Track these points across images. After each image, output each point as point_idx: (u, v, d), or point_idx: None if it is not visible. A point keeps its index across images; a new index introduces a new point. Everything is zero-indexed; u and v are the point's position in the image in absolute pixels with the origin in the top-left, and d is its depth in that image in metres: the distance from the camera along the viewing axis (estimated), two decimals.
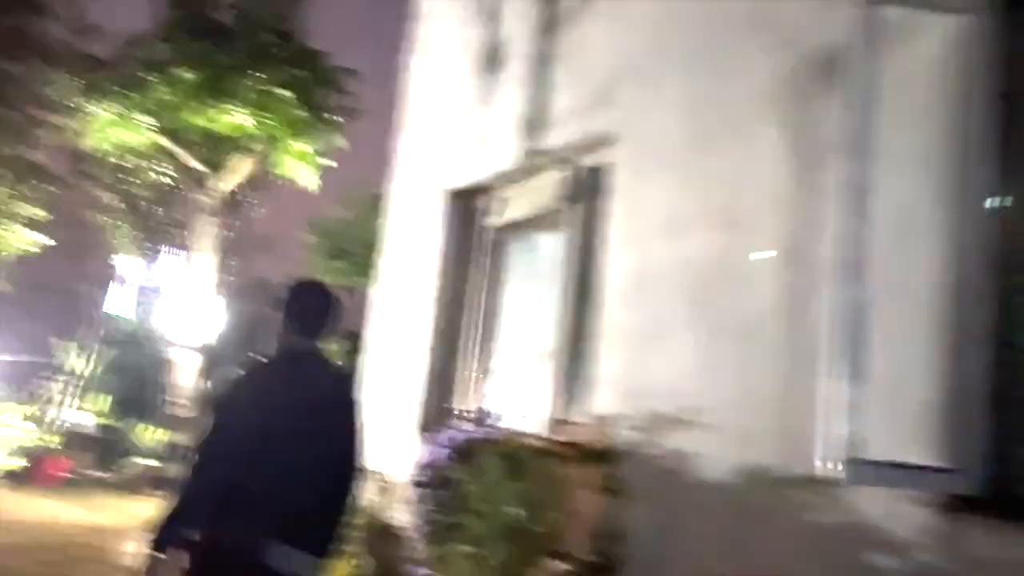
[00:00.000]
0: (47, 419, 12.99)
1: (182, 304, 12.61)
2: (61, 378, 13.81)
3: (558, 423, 4.53)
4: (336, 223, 13.96)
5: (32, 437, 11.92)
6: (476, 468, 4.31)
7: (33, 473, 10.72)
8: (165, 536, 2.55)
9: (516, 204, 5.49)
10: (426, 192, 6.42)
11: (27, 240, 13.17)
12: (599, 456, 3.73)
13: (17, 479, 10.46)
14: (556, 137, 4.96)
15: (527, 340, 5.24)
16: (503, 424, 4.79)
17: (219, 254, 12.44)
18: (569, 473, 3.95)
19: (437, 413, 5.97)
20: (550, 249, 5.17)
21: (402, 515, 5.70)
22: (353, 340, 13.65)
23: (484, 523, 3.94)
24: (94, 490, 10.74)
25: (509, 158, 5.42)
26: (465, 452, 4.50)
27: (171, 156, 11.74)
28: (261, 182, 14.72)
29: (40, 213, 13.17)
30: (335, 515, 2.59)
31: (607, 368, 4.13)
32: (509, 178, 5.51)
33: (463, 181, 5.98)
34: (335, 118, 11.23)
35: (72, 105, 10.38)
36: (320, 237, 14.00)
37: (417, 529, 4.73)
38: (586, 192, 4.74)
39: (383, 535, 5.80)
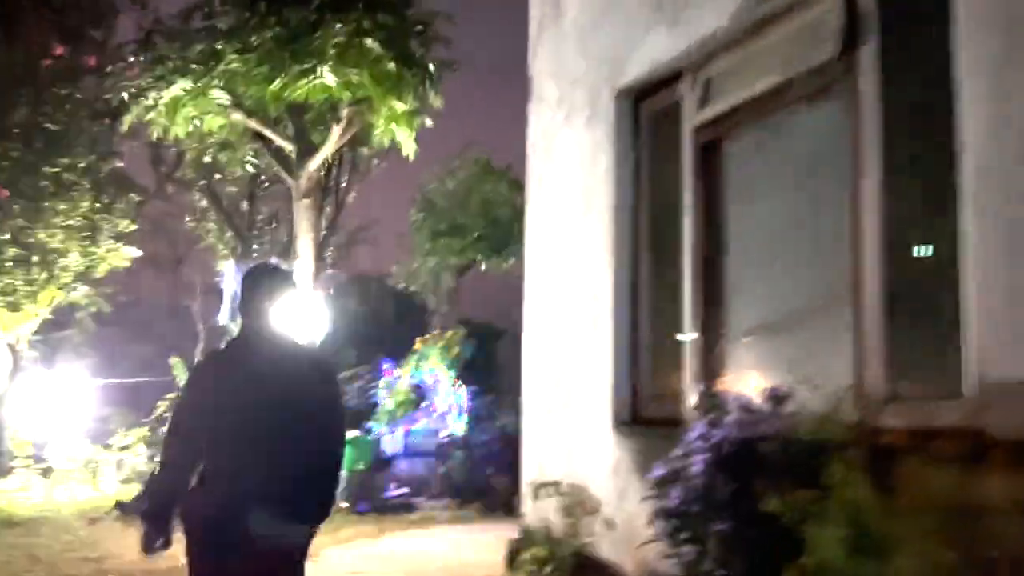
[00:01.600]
0: None
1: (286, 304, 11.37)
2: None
3: (887, 403, 2.77)
4: (442, 196, 12.38)
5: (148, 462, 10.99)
6: (769, 482, 2.63)
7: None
8: (160, 520, 2.62)
9: (734, 83, 3.72)
10: (583, 104, 4.73)
11: (118, 255, 12.15)
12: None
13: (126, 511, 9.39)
14: None
15: (788, 282, 3.49)
16: (778, 411, 3.03)
17: (315, 245, 11.07)
18: (961, 483, 2.24)
19: (635, 402, 4.35)
20: (808, 135, 3.40)
21: (607, 544, 4.09)
22: (471, 327, 12.14)
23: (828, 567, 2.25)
24: None
25: (715, 18, 3.66)
26: (739, 458, 2.81)
27: (253, 139, 10.43)
28: (352, 162, 13.33)
29: (126, 224, 12.13)
30: (321, 485, 2.66)
31: (995, 307, 2.35)
32: (719, 47, 3.75)
33: (641, 70, 4.25)
34: (430, 70, 9.60)
35: (137, 91, 9.16)
36: (424, 214, 12.45)
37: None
38: (882, 24, 2.93)
39: (587, 572, 4.20)
